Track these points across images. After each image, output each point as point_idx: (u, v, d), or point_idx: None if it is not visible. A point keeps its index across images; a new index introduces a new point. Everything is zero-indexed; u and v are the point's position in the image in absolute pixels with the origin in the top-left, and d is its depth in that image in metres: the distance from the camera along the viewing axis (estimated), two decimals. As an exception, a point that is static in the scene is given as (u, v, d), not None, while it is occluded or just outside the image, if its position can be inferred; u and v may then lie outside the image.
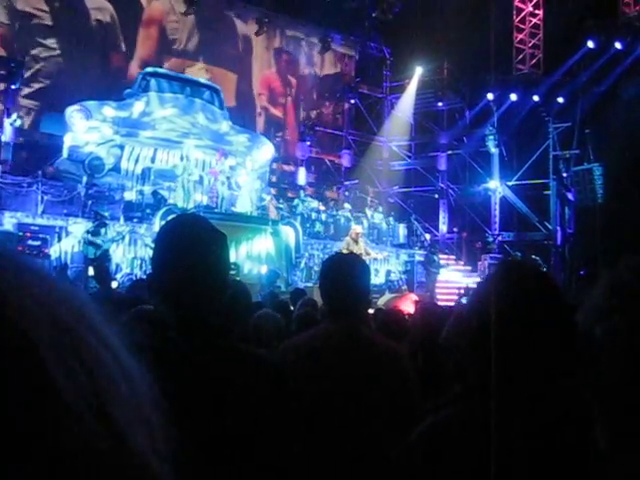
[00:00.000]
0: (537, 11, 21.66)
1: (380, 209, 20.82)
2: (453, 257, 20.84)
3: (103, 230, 13.22)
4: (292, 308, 5.86)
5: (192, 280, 1.63)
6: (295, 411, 1.75)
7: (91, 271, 12.67)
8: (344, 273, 2.60)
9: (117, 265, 14.30)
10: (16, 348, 0.41)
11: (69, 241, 14.38)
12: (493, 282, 1.39)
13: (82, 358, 0.44)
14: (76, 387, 0.42)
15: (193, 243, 1.66)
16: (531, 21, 21.64)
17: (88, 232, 13.21)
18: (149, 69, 19.56)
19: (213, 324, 1.68)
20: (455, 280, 18.48)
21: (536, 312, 1.31)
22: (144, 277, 11.01)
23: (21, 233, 13.76)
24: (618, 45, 18.01)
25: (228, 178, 16.58)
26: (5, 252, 0.47)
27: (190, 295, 1.63)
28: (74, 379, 0.42)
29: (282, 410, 1.68)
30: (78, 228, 14.27)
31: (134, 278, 13.87)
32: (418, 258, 18.38)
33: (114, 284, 12.76)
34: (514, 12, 21.54)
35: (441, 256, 19.87)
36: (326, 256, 17.23)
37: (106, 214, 13.77)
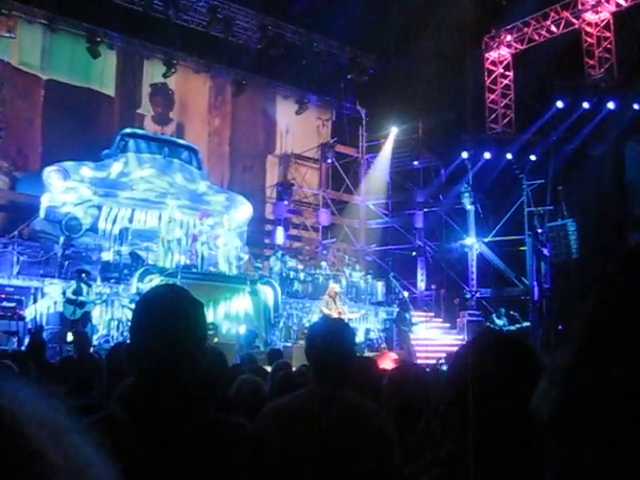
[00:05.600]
0: (507, 72, 22.31)
1: (358, 267, 20.86)
2: (432, 314, 20.81)
3: (85, 289, 12.85)
4: (269, 368, 5.85)
5: (169, 350, 1.62)
6: None
7: (70, 337, 12.39)
8: (329, 338, 2.64)
9: (94, 327, 14.08)
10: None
11: (45, 302, 14.17)
12: (468, 353, 1.40)
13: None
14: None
15: (170, 313, 1.66)
16: (502, 82, 22.27)
17: (64, 292, 12.90)
18: (127, 130, 19.70)
19: (191, 394, 1.67)
20: (434, 337, 18.43)
21: (510, 383, 1.30)
22: (122, 341, 10.77)
23: (-5, 295, 13.56)
24: (586, 105, 18.51)
25: (208, 238, 16.56)
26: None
27: (168, 365, 1.63)
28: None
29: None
30: (54, 289, 14.09)
31: (110, 340, 13.66)
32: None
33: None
34: (485, 74, 22.18)
35: (419, 313, 19.87)
36: (305, 315, 17.27)
37: (88, 272, 13.41)
